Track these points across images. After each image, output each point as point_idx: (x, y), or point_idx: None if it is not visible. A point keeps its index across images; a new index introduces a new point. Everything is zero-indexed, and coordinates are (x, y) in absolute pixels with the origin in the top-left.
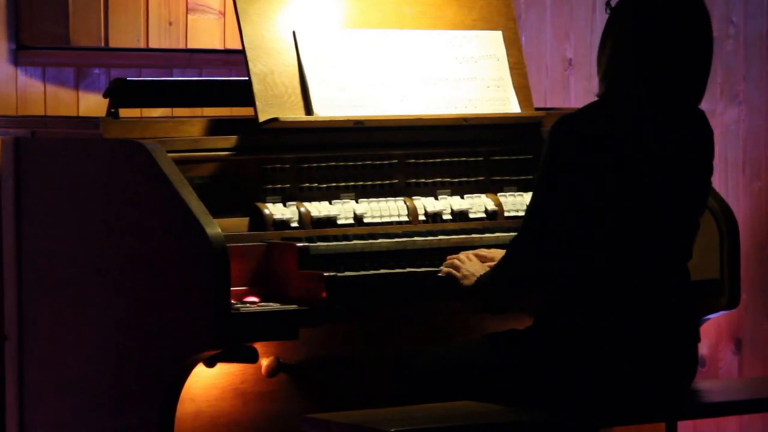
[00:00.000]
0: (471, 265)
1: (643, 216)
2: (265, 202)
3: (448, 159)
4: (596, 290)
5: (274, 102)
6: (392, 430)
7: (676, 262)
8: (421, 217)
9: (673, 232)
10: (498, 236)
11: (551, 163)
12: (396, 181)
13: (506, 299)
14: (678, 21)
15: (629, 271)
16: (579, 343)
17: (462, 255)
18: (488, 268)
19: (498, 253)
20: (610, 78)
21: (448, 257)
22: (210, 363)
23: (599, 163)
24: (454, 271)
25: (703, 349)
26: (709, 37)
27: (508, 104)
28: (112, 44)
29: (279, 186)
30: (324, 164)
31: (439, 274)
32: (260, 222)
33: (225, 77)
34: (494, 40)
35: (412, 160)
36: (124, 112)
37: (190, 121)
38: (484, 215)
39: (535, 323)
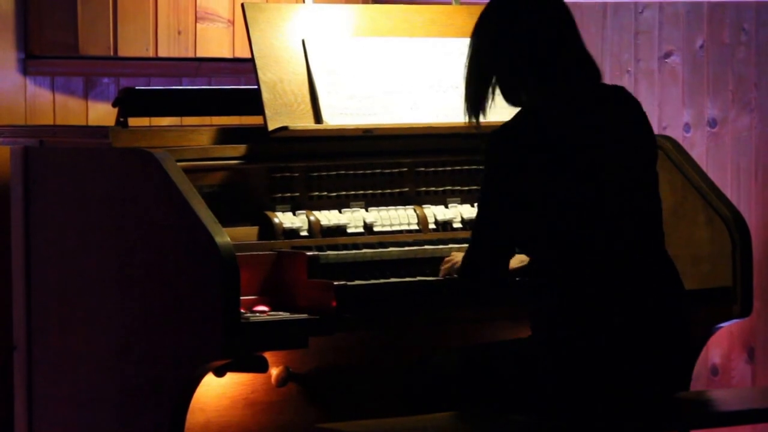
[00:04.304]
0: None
1: (599, 204)
2: (274, 210)
3: (458, 167)
4: (574, 291)
5: (284, 110)
6: None
7: (651, 243)
8: (432, 226)
9: (638, 213)
10: None
11: (497, 172)
12: (406, 189)
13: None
14: (544, 8)
15: (602, 265)
16: (570, 347)
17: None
18: None
19: None
20: (525, 85)
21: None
22: (219, 373)
23: (545, 166)
24: (448, 266)
25: (716, 358)
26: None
27: None
28: (121, 53)
29: (288, 194)
30: (333, 173)
31: (440, 275)
32: (270, 231)
33: (234, 86)
34: None
35: (422, 168)
36: (133, 122)
37: (198, 130)
38: None
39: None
